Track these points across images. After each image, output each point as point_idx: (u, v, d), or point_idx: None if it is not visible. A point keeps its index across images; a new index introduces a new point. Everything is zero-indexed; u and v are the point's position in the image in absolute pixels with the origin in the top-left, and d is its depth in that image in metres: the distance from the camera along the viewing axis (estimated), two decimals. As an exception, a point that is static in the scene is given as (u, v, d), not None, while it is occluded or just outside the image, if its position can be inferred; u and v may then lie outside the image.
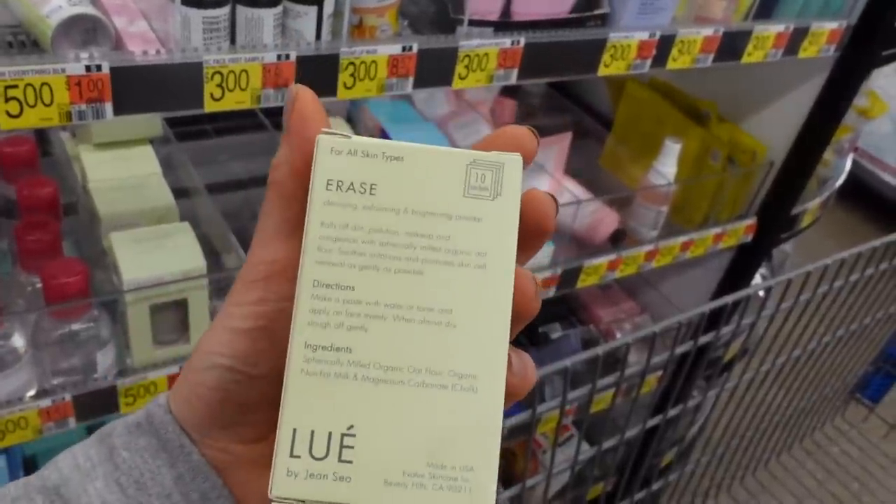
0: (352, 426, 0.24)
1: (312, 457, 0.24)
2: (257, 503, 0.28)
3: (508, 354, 0.26)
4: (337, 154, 0.26)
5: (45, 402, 0.77)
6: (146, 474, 0.28)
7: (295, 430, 0.24)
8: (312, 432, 0.24)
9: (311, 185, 0.26)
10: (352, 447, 0.24)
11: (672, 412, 1.06)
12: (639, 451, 1.16)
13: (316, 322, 0.25)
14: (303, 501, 0.24)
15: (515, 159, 0.26)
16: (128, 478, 0.28)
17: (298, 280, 0.25)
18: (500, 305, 0.26)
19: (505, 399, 0.26)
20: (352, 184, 0.26)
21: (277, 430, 0.24)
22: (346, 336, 0.25)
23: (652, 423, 1.04)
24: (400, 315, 0.25)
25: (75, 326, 0.79)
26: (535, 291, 0.26)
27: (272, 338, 0.27)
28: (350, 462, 0.24)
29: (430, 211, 0.26)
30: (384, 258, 0.25)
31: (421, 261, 0.25)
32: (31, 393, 0.79)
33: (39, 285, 0.78)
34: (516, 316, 0.26)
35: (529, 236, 0.26)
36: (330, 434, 0.24)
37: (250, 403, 0.28)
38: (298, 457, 0.24)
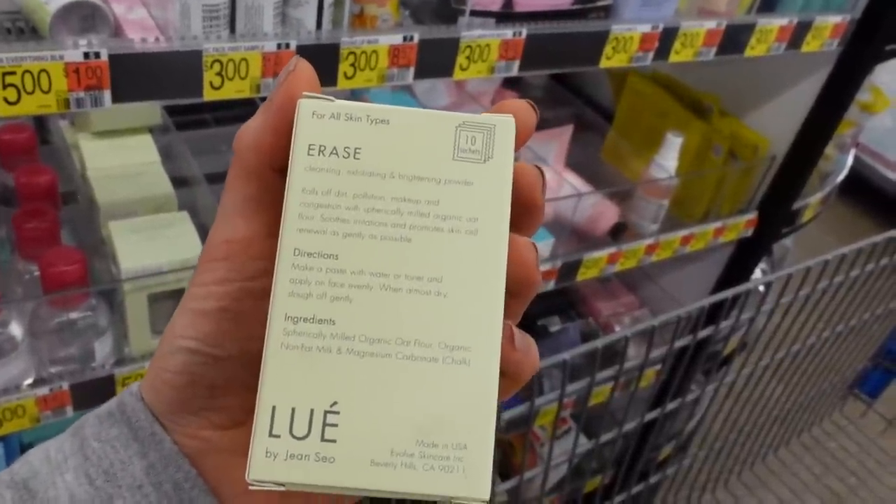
0: (335, 403, 0.23)
1: (293, 436, 0.23)
2: (233, 491, 0.27)
3: (508, 326, 0.25)
4: (319, 118, 0.24)
5: (43, 391, 0.77)
6: (116, 465, 0.27)
7: (274, 408, 0.23)
8: (293, 410, 0.23)
9: (292, 151, 0.24)
10: (336, 425, 0.23)
11: (670, 406, 1.06)
12: (637, 444, 1.16)
13: (297, 293, 0.23)
14: (283, 485, 0.23)
15: (507, 121, 0.25)
16: (97, 469, 0.27)
17: (278, 249, 0.24)
18: (494, 273, 0.24)
19: (509, 381, 0.25)
20: (335, 148, 0.24)
21: (256, 409, 0.23)
22: (329, 307, 0.23)
23: (650, 416, 1.05)
24: (386, 284, 0.24)
25: (73, 315, 0.79)
26: (534, 260, 0.25)
27: (237, 318, 0.26)
28: (334, 441, 0.23)
29: (418, 175, 0.24)
30: (369, 225, 0.24)
31: (408, 227, 0.24)
32: (29, 381, 0.79)
33: (37, 273, 0.78)
34: (517, 288, 0.25)
35: (519, 212, 0.25)
36: (312, 412, 0.23)
37: (218, 387, 0.26)
38: (278, 436, 0.23)
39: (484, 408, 0.23)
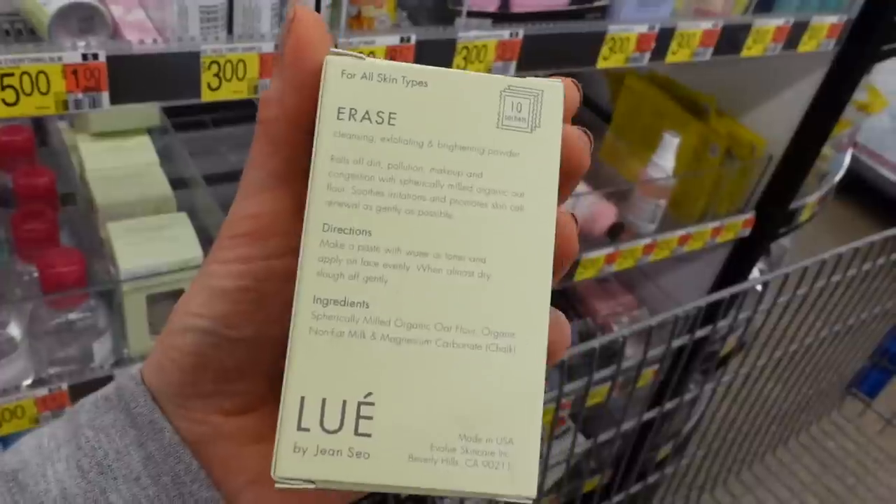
0: (370, 393, 0.21)
1: (324, 430, 0.21)
2: (241, 481, 0.25)
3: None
4: (349, 78, 0.22)
5: (42, 391, 0.77)
6: (111, 455, 0.25)
7: (303, 399, 0.21)
8: (324, 401, 0.21)
9: (318, 114, 0.22)
10: (370, 418, 0.21)
11: (668, 406, 1.06)
12: (635, 444, 1.17)
13: (326, 273, 0.21)
14: (313, 482, 0.21)
15: (556, 86, 0.23)
16: (90, 460, 0.25)
17: (305, 224, 0.22)
18: (541, 253, 0.22)
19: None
20: (367, 112, 0.22)
21: (282, 399, 0.21)
22: (362, 289, 0.21)
23: (648, 416, 1.05)
24: (425, 264, 0.22)
25: (72, 316, 0.79)
26: (576, 233, 0.23)
27: (258, 300, 0.24)
28: (368, 435, 0.21)
29: (459, 144, 0.22)
30: (406, 198, 0.22)
31: (449, 201, 0.22)
32: (28, 382, 0.79)
33: (36, 274, 0.78)
34: (557, 261, 0.23)
35: (562, 181, 0.23)
36: (344, 403, 0.21)
37: (231, 370, 0.25)
38: (307, 430, 0.21)
39: (530, 399, 0.22)
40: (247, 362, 0.25)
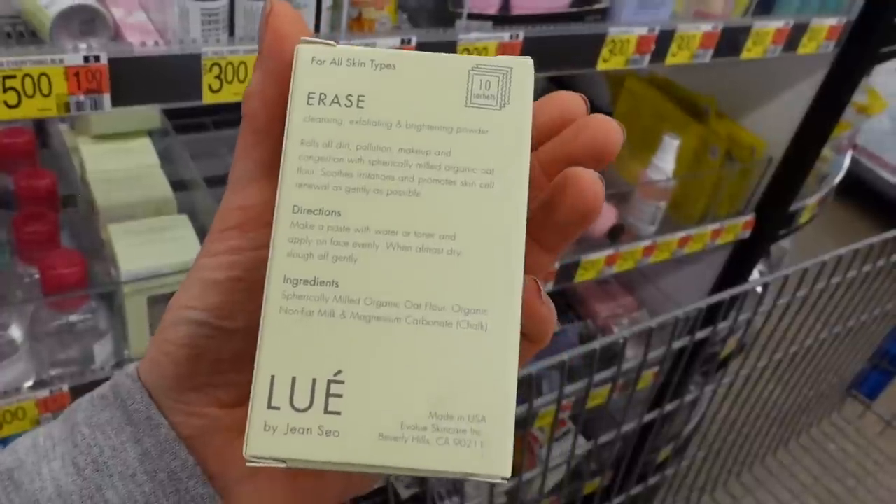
0: (340, 371, 0.21)
1: (294, 408, 0.21)
2: (237, 474, 0.26)
3: (533, 280, 0.23)
4: (319, 64, 0.23)
5: (43, 393, 0.78)
6: (107, 451, 0.25)
7: (273, 378, 0.21)
8: (294, 379, 0.21)
9: (290, 100, 0.22)
10: (340, 396, 0.21)
11: (669, 407, 1.06)
12: (635, 446, 1.17)
13: (296, 253, 0.22)
14: (283, 461, 0.21)
15: (525, 62, 0.23)
16: (86, 457, 0.25)
17: (276, 206, 0.22)
18: (513, 229, 0.22)
19: (531, 342, 0.24)
20: (336, 97, 0.22)
21: (253, 378, 0.21)
22: (331, 268, 0.22)
23: (648, 418, 1.05)
24: (394, 243, 0.22)
25: (73, 318, 0.79)
26: (601, 195, 0.23)
27: (249, 289, 0.24)
28: (338, 413, 0.21)
29: (428, 124, 0.22)
30: (375, 178, 0.22)
31: (418, 180, 0.22)
32: (29, 384, 0.79)
33: (37, 276, 0.78)
34: (577, 219, 0.23)
35: (593, 161, 0.23)
36: (314, 381, 0.21)
37: (225, 361, 0.25)
38: (277, 408, 0.21)
39: (503, 376, 0.21)
40: (241, 353, 0.25)
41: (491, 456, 0.21)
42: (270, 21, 0.23)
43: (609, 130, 0.23)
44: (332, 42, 0.23)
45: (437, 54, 0.23)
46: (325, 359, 0.21)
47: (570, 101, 0.25)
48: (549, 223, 0.24)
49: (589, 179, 0.23)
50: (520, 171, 0.22)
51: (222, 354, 0.25)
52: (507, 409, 0.21)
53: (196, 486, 0.25)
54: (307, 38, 0.23)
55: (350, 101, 0.22)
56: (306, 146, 0.22)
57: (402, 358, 0.21)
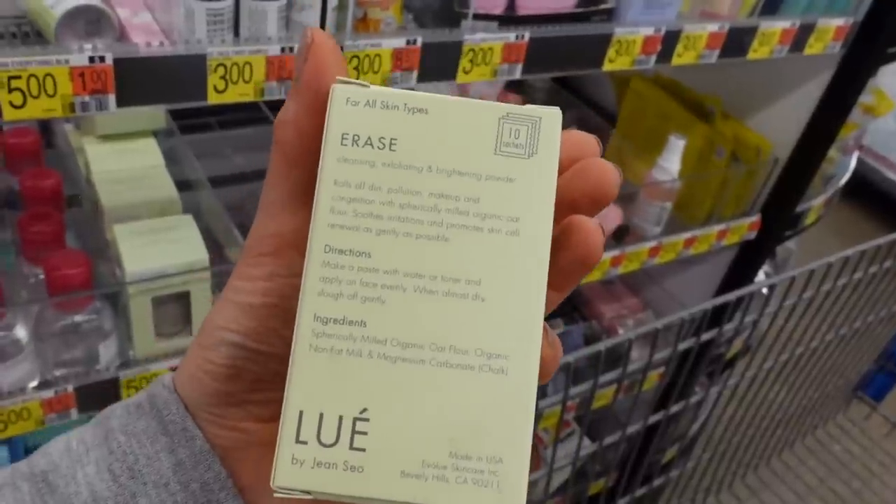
0: (365, 410, 0.22)
1: (321, 443, 0.22)
2: (267, 486, 0.26)
3: (544, 329, 0.24)
4: (353, 105, 0.23)
5: (48, 393, 0.78)
6: (142, 460, 0.25)
7: (301, 413, 0.22)
8: (321, 415, 0.22)
9: (324, 140, 0.23)
10: (365, 433, 0.22)
11: (674, 409, 1.06)
12: (640, 447, 1.16)
13: (327, 292, 0.22)
14: (309, 493, 0.22)
15: (554, 113, 0.24)
16: (122, 464, 0.25)
17: (308, 245, 0.23)
18: (536, 277, 0.23)
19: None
20: (369, 138, 0.23)
21: (282, 413, 0.22)
22: (360, 308, 0.22)
23: (654, 419, 1.04)
24: (421, 286, 0.22)
25: (78, 318, 0.79)
26: (600, 245, 0.24)
27: (284, 315, 0.25)
28: (363, 450, 0.22)
29: (457, 170, 0.23)
30: (405, 222, 0.23)
31: (446, 225, 0.23)
32: (34, 384, 0.79)
33: (42, 277, 0.78)
34: (577, 269, 0.24)
35: (591, 208, 0.24)
36: (341, 418, 0.22)
37: (264, 380, 0.26)
38: (305, 443, 0.22)
39: (521, 420, 0.22)
40: (279, 373, 0.25)
41: (506, 496, 0.22)
42: (313, 52, 0.23)
43: (606, 175, 0.24)
44: (366, 83, 0.23)
45: (469, 100, 0.24)
46: (351, 397, 0.22)
47: (583, 144, 0.25)
48: (554, 266, 0.24)
49: (590, 229, 0.24)
50: (544, 220, 0.23)
51: (261, 374, 0.25)
52: (523, 451, 0.22)
53: (227, 498, 0.26)
54: (343, 79, 0.23)
55: (383, 143, 0.23)
56: (339, 187, 0.23)
57: (425, 399, 0.22)
